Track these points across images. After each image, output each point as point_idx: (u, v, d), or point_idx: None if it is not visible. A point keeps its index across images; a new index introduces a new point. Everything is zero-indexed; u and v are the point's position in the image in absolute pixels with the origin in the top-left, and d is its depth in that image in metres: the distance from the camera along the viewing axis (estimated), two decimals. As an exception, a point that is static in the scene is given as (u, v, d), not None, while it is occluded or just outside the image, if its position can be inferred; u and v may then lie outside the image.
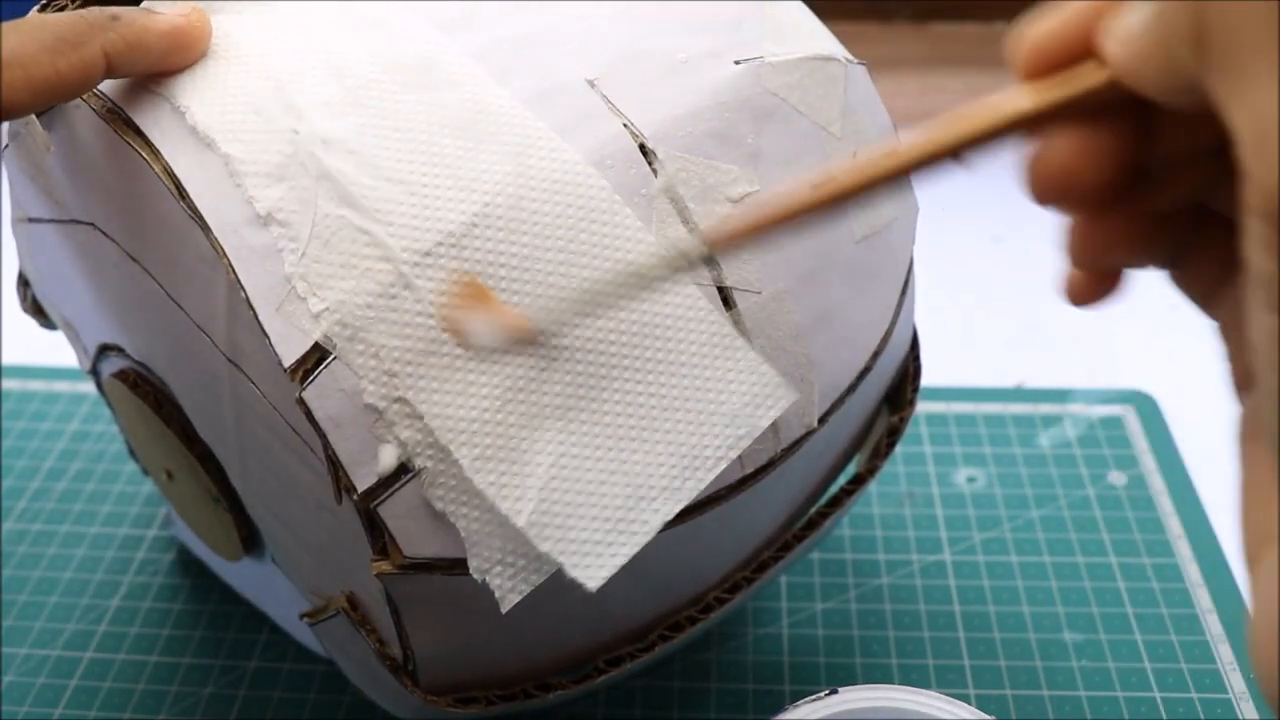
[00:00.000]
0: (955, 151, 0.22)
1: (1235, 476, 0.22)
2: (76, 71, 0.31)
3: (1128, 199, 0.23)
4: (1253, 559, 0.22)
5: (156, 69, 0.33)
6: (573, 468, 0.31)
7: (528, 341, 0.30)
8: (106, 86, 0.34)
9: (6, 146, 0.39)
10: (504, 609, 0.31)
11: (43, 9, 0.35)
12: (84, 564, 0.52)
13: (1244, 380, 0.23)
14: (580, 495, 0.31)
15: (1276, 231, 0.18)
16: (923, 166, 0.22)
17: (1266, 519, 0.22)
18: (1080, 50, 0.21)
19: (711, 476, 0.32)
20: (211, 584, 0.50)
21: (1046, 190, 0.22)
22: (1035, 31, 0.22)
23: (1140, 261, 0.24)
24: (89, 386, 0.61)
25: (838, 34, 0.39)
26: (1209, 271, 0.24)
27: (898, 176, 0.22)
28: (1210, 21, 0.19)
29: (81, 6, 0.35)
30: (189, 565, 0.51)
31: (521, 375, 0.31)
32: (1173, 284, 0.25)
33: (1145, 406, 0.58)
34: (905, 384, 0.42)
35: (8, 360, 0.63)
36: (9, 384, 0.62)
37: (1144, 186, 0.23)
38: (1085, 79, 0.21)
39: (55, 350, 0.57)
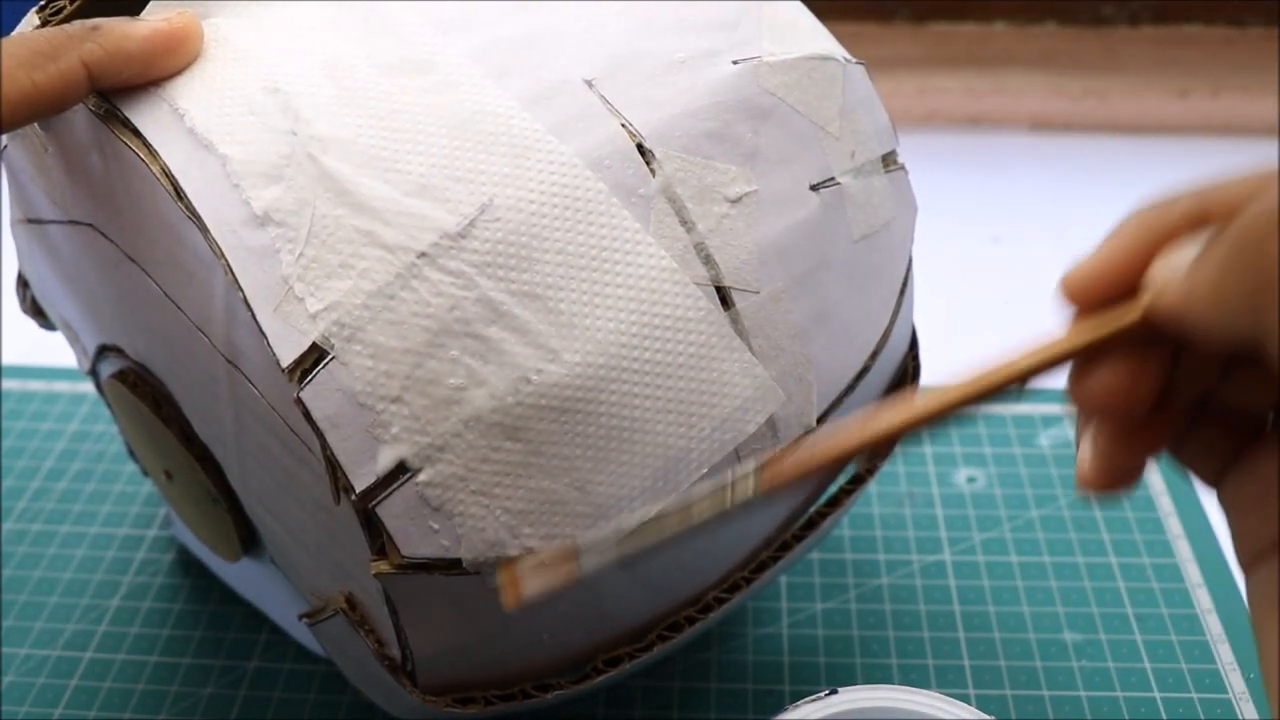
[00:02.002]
0: (1016, 383, 0.24)
1: (1256, 649, 0.23)
2: (55, 84, 0.31)
3: (1158, 412, 0.24)
4: None
5: (145, 75, 0.33)
6: (564, 469, 0.31)
7: (574, 574, 0.28)
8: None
9: (6, 147, 0.39)
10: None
11: (41, 10, 0.35)
12: (84, 564, 0.52)
13: (1253, 559, 0.24)
14: (569, 492, 0.31)
15: None
16: (985, 400, 0.24)
17: None
18: (1125, 288, 0.23)
19: (693, 479, 0.32)
20: (211, 584, 0.50)
21: (1091, 409, 0.24)
22: (1084, 269, 0.24)
23: (1187, 460, 0.26)
24: (89, 386, 0.61)
25: (837, 34, 0.39)
26: (1216, 453, 0.25)
27: (960, 411, 0.25)
28: (1270, 277, 0.19)
29: (78, 10, 0.35)
30: (189, 565, 0.51)
31: (519, 377, 0.31)
32: (1176, 461, 0.26)
33: (1145, 406, 0.58)
34: (904, 384, 0.42)
35: (8, 360, 0.63)
36: (9, 384, 0.62)
37: (1170, 397, 0.24)
38: (1126, 317, 0.23)
39: (55, 350, 0.57)
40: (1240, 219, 0.20)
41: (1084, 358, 0.24)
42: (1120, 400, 0.23)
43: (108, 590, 0.50)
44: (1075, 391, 0.24)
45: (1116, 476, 0.25)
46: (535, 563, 0.28)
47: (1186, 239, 0.22)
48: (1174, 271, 0.22)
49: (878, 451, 0.25)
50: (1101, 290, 0.23)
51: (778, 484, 0.25)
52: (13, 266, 0.50)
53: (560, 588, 0.28)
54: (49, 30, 0.32)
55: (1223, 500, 0.25)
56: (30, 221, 0.40)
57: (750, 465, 0.26)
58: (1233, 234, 0.20)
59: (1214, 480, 0.26)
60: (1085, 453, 0.25)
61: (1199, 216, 0.22)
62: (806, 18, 0.38)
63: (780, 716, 0.35)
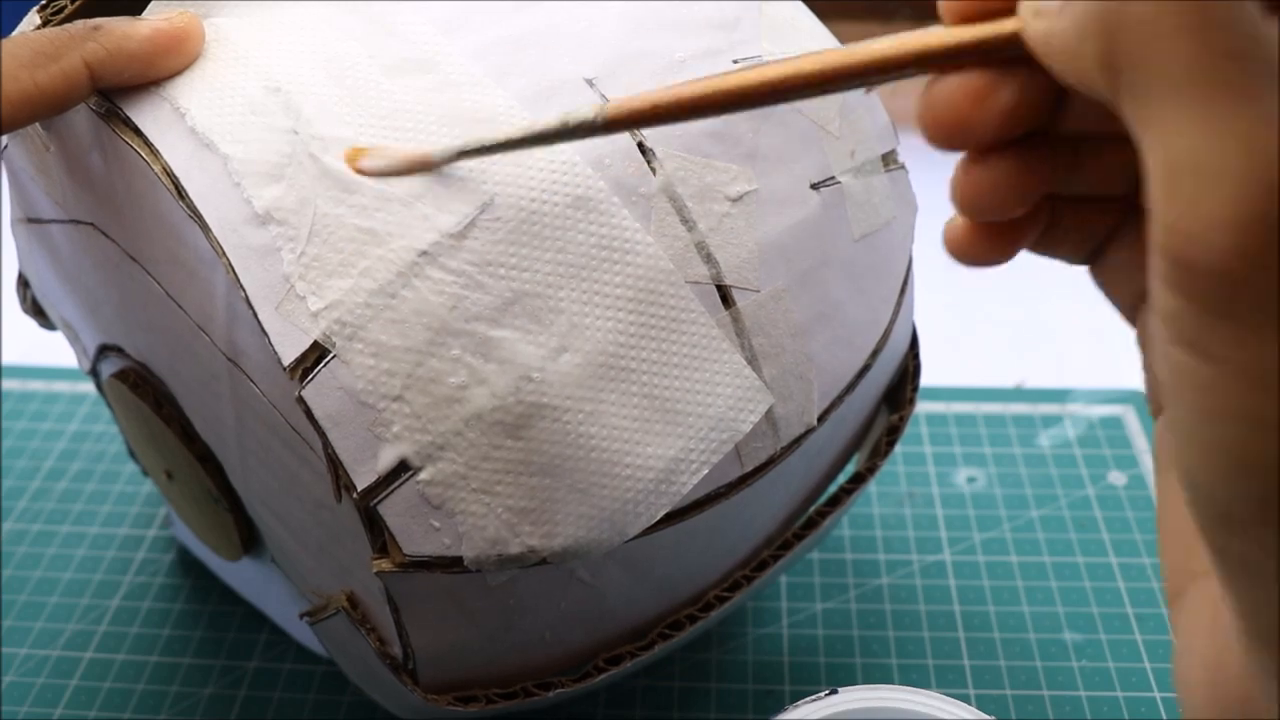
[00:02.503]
0: (866, 71, 0.22)
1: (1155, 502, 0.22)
2: (58, 84, 0.31)
3: (1022, 151, 0.23)
4: (1174, 595, 0.23)
5: (147, 75, 0.33)
6: (565, 468, 0.31)
7: (422, 168, 0.30)
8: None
9: (6, 146, 0.39)
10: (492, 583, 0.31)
11: (42, 9, 0.35)
12: (84, 564, 0.52)
13: (1158, 402, 0.24)
14: (572, 492, 0.31)
15: (1175, 269, 0.17)
16: (835, 81, 0.22)
17: (1186, 555, 0.22)
18: (1000, 7, 0.21)
19: (695, 481, 0.32)
20: (211, 584, 0.50)
21: (935, 121, 0.22)
22: None
23: (1049, 246, 0.24)
24: (89, 386, 0.61)
25: (837, 34, 0.39)
26: (1132, 274, 0.24)
27: (808, 86, 0.23)
28: (1121, 46, 0.18)
29: (80, 10, 0.35)
30: (189, 565, 0.51)
31: (520, 375, 0.31)
32: (1096, 284, 0.25)
33: (1145, 406, 0.58)
34: (905, 383, 0.42)
35: (8, 360, 0.63)
36: (9, 384, 0.62)
37: (1045, 148, 0.23)
38: (993, 27, 0.21)
39: (55, 350, 0.57)
40: None
41: (944, 64, 0.22)
42: (967, 112, 0.22)
43: (108, 590, 0.50)
44: (924, 102, 0.22)
45: (978, 234, 0.24)
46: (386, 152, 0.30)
47: None
48: (1047, 9, 0.20)
49: None
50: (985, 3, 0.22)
51: (620, 118, 0.25)
52: (13, 266, 0.50)
53: (401, 172, 0.30)
54: (50, 30, 0.32)
55: (1137, 333, 0.25)
56: (31, 221, 0.40)
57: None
58: None
59: (1129, 307, 0.25)
60: (954, 218, 0.24)
61: None
62: (806, 17, 0.38)
63: (780, 716, 0.35)
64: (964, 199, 0.23)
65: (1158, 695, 0.44)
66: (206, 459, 0.38)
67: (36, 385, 0.62)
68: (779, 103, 0.23)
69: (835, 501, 0.41)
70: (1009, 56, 0.21)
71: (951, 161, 0.24)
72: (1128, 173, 0.23)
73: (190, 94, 0.33)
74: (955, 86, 0.22)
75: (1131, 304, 0.25)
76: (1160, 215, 0.18)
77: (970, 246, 0.24)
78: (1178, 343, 0.18)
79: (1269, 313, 0.17)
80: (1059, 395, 0.59)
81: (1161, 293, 0.18)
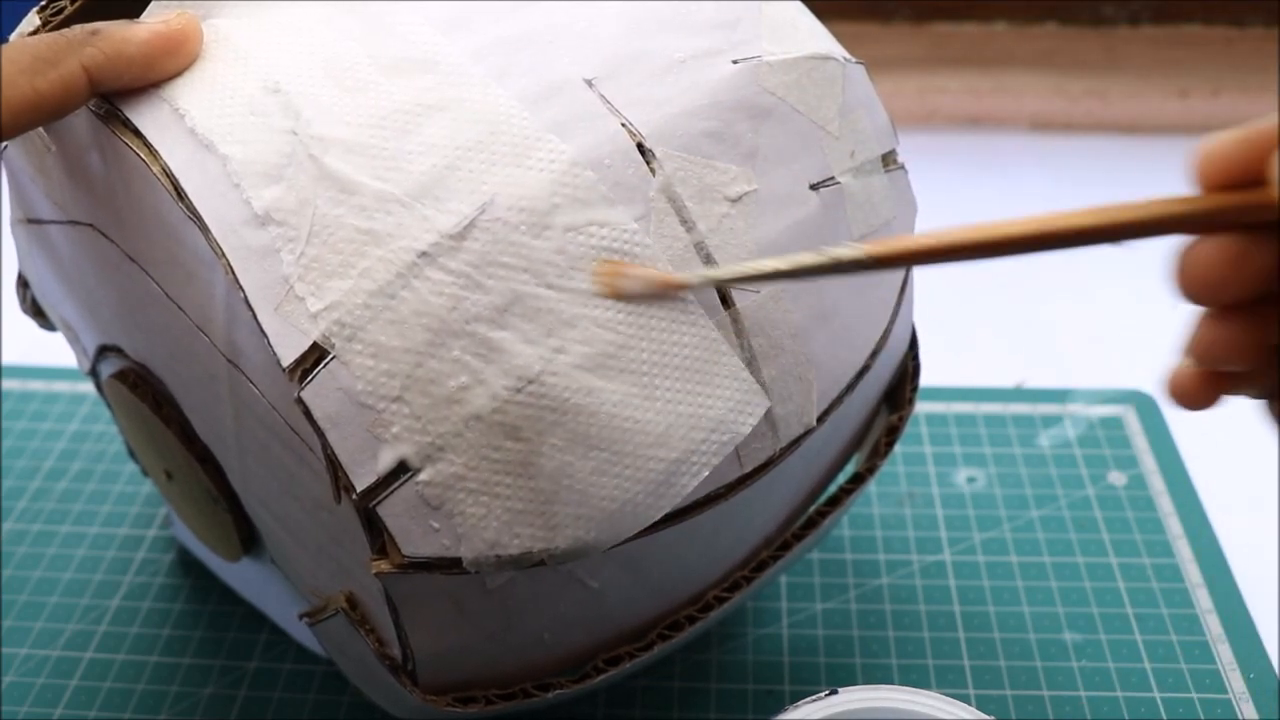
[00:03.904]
0: (1125, 231, 0.24)
1: None
2: (56, 90, 0.31)
3: (1258, 312, 0.24)
4: None
5: (146, 78, 0.33)
6: (564, 470, 0.31)
7: (674, 293, 0.31)
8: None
9: (6, 147, 0.39)
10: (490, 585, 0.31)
11: (42, 10, 0.35)
12: (84, 564, 0.52)
13: None
14: (571, 493, 0.31)
15: None
16: (1090, 238, 0.24)
17: None
18: (1253, 173, 0.23)
19: (695, 483, 0.32)
20: (211, 584, 0.50)
21: (1193, 282, 0.24)
22: (1213, 146, 0.24)
23: (1248, 386, 0.26)
24: (89, 386, 0.61)
25: (837, 34, 0.39)
26: None
27: (1064, 240, 0.24)
28: None
29: (79, 10, 0.35)
30: (189, 565, 0.51)
31: (519, 376, 0.31)
32: (1269, 415, 0.27)
33: (1145, 406, 0.58)
34: (904, 383, 0.42)
35: (8, 360, 0.63)
36: (9, 384, 0.62)
37: (1273, 308, 0.24)
38: (1250, 195, 0.23)
39: (55, 350, 0.57)
40: None
41: (1199, 227, 0.24)
42: (1223, 275, 0.23)
43: (108, 590, 0.50)
44: (1183, 262, 0.24)
45: (1203, 382, 0.26)
46: (641, 271, 0.30)
47: None
48: None
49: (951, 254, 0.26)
50: (1234, 164, 0.23)
51: (885, 256, 0.26)
52: (13, 266, 0.50)
53: (659, 293, 0.30)
54: (49, 36, 0.32)
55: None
56: (30, 222, 0.40)
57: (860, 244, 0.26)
58: None
59: None
60: (1181, 363, 0.26)
61: None
62: (806, 17, 0.38)
63: (780, 716, 0.35)
64: (1203, 350, 0.25)
65: (1158, 695, 0.44)
66: (206, 460, 0.38)
67: (36, 385, 0.62)
68: (1036, 253, 0.25)
69: (835, 502, 0.41)
70: (1259, 222, 0.23)
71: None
72: None
73: (190, 95, 0.33)
74: (1214, 250, 0.23)
75: None
76: None
77: (1196, 393, 0.26)
78: None
79: None
80: (1059, 395, 0.59)
81: None
